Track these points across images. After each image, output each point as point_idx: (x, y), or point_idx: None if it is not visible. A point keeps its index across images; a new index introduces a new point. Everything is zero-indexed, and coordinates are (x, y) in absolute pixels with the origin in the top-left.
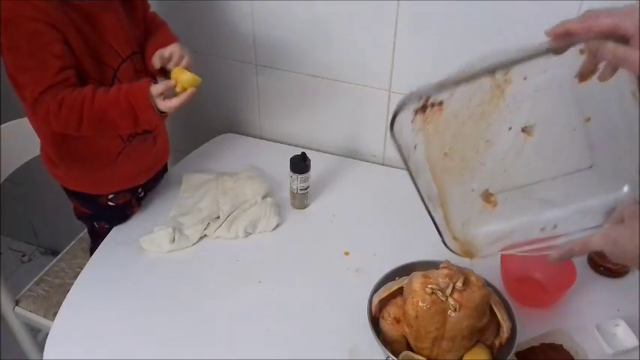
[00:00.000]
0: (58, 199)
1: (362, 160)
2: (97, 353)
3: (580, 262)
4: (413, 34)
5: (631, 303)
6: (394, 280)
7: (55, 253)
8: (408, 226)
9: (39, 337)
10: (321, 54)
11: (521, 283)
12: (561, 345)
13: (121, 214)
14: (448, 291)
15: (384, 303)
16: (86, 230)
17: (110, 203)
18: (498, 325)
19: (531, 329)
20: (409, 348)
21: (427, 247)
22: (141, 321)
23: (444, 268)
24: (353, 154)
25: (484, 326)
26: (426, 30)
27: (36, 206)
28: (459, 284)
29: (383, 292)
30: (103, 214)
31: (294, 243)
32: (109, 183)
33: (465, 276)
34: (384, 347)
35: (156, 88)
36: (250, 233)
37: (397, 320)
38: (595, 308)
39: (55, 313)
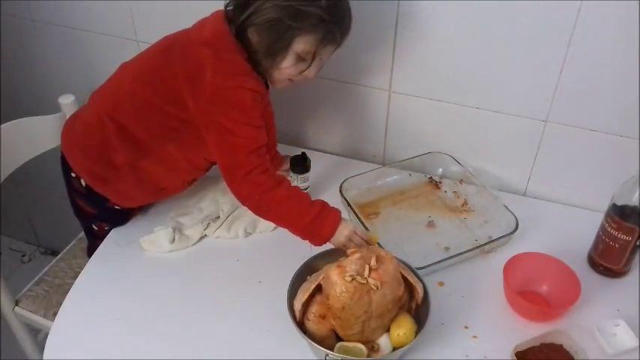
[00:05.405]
0: (57, 199)
1: (362, 160)
2: (97, 353)
3: (580, 262)
4: (413, 34)
5: (631, 303)
6: (305, 280)
7: (55, 253)
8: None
9: (39, 337)
10: None
11: (524, 297)
12: (561, 345)
13: (124, 216)
14: (366, 273)
15: (305, 305)
16: None
17: (116, 207)
18: (410, 289)
19: (531, 329)
20: (338, 340)
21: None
22: (141, 321)
23: (354, 252)
24: (353, 154)
25: (402, 294)
26: (426, 30)
27: (36, 206)
28: (373, 263)
29: (302, 295)
30: (106, 216)
31: (294, 243)
32: (138, 201)
33: (376, 253)
34: (318, 346)
35: (352, 226)
36: (250, 233)
37: (323, 317)
38: (595, 308)
39: (55, 313)
